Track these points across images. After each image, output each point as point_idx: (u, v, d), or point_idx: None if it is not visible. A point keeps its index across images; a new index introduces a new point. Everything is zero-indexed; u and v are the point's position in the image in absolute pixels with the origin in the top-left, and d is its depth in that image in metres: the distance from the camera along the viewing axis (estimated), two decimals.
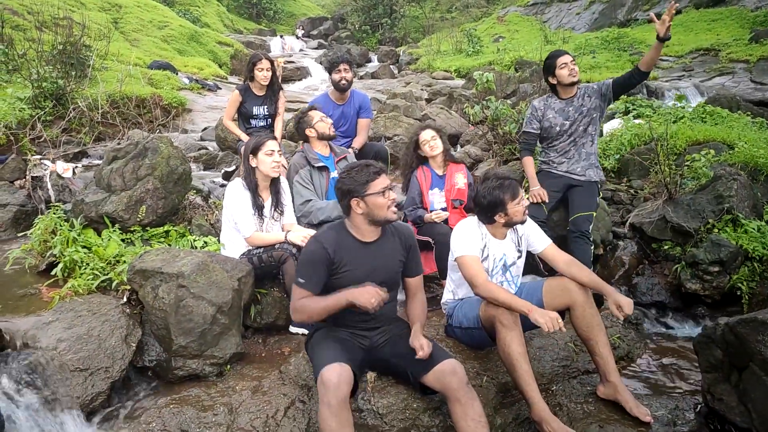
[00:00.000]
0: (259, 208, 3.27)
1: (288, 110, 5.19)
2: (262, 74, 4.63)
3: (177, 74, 11.28)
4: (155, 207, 3.78)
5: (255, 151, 3.24)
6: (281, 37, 26.02)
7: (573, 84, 3.88)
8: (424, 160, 3.91)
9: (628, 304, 2.54)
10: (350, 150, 4.37)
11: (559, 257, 2.83)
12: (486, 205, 2.71)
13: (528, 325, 2.56)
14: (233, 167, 5.52)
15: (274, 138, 3.42)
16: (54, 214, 3.70)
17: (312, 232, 3.17)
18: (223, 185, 5.13)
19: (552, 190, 3.90)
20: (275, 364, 2.92)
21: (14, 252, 3.53)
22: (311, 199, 3.61)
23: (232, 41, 18.37)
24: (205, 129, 8.11)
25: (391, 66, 19.24)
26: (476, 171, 5.44)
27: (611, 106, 4.94)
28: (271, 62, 4.72)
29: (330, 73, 4.56)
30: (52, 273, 3.29)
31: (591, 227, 3.71)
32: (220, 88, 11.89)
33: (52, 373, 2.50)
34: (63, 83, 6.65)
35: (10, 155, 5.18)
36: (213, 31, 19.24)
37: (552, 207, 3.91)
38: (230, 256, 3.24)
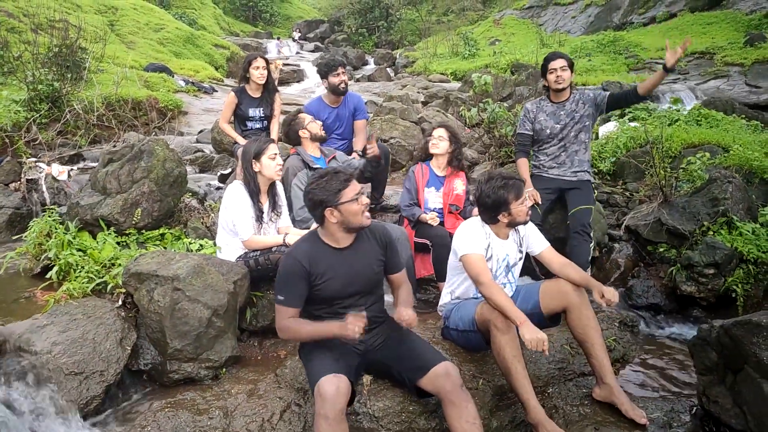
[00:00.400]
0: (259, 212, 3.24)
1: (284, 112, 5.17)
2: (258, 72, 4.62)
3: (173, 77, 11.25)
4: (151, 210, 3.77)
5: (258, 155, 3.19)
6: (278, 39, 26.04)
7: (561, 90, 3.88)
8: (429, 157, 3.93)
9: (610, 291, 2.55)
10: (354, 154, 4.37)
11: (555, 259, 2.84)
12: (490, 205, 2.70)
13: None
14: (229, 170, 5.51)
15: (274, 141, 3.41)
16: (49, 217, 3.68)
17: None
18: (219, 188, 5.11)
19: (545, 192, 3.90)
20: (271, 367, 2.91)
21: (9, 255, 3.51)
22: None
23: (229, 44, 18.36)
24: (201, 131, 8.10)
25: (387, 69, 19.29)
26: (473, 174, 5.45)
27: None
28: (267, 62, 4.72)
29: (326, 77, 4.46)
30: (47, 276, 3.27)
31: (591, 220, 3.72)
32: (216, 91, 11.89)
33: (46, 377, 2.49)
34: (59, 86, 6.63)
35: (5, 158, 5.17)
36: (209, 34, 19.20)
37: (547, 209, 3.91)
38: (226, 259, 3.23)
